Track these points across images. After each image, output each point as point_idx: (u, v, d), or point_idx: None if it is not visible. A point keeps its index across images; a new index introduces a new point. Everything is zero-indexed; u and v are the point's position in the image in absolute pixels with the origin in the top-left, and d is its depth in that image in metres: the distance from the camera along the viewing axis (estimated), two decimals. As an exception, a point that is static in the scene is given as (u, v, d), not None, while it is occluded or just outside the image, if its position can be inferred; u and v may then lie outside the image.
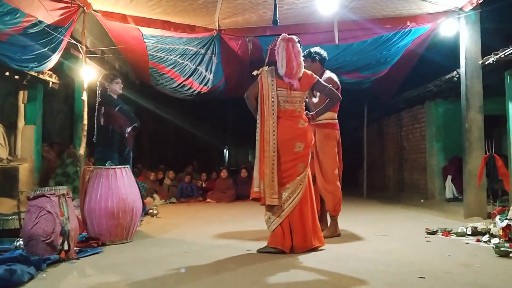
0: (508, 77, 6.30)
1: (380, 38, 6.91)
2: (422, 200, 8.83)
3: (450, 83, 7.52)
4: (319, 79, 4.12)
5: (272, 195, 3.81)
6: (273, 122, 3.89)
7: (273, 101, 3.91)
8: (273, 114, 3.90)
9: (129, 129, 5.03)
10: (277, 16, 5.15)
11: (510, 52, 5.78)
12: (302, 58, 3.99)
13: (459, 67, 6.55)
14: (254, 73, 4.08)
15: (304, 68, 4.74)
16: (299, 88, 3.95)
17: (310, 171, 4.09)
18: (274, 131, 3.88)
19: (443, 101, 8.82)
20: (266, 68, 4.05)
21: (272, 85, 3.93)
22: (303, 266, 3.40)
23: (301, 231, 3.86)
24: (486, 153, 6.01)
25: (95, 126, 5.11)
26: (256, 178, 3.90)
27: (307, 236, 3.87)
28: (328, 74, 4.75)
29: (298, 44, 3.96)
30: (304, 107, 4.10)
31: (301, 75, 3.95)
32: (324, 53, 4.85)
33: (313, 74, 4.11)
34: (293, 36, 3.97)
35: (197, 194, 10.34)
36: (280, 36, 3.97)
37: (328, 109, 4.24)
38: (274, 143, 3.87)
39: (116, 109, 4.98)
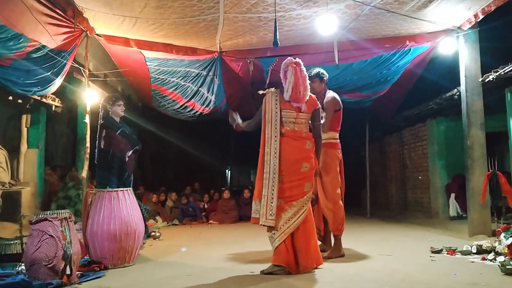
0: (509, 94, 6.32)
1: (379, 57, 6.98)
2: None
3: (451, 100, 7.54)
4: (320, 109, 4.18)
5: (268, 216, 3.79)
6: (275, 145, 3.90)
7: (275, 124, 3.94)
8: (275, 136, 3.92)
9: (130, 153, 4.99)
10: (278, 37, 5.20)
11: (509, 69, 5.81)
12: (308, 82, 4.04)
13: (459, 85, 6.58)
14: (260, 92, 4.13)
15: (314, 87, 4.85)
16: (306, 111, 4.01)
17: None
18: (276, 153, 3.89)
19: (444, 119, 8.82)
20: (272, 89, 4.08)
21: (276, 107, 3.97)
22: (307, 287, 3.36)
23: (306, 250, 3.84)
24: (488, 171, 5.99)
25: (96, 149, 5.11)
26: (255, 199, 3.92)
27: (311, 255, 3.87)
28: (331, 93, 4.80)
29: (304, 68, 4.00)
30: (309, 128, 4.13)
31: (307, 98, 4.00)
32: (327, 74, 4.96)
33: (317, 100, 4.17)
34: (299, 60, 4.01)
35: (200, 216, 10.29)
36: (287, 60, 4.00)
37: (319, 151, 4.16)
38: (275, 165, 3.87)
39: (118, 133, 4.93)
